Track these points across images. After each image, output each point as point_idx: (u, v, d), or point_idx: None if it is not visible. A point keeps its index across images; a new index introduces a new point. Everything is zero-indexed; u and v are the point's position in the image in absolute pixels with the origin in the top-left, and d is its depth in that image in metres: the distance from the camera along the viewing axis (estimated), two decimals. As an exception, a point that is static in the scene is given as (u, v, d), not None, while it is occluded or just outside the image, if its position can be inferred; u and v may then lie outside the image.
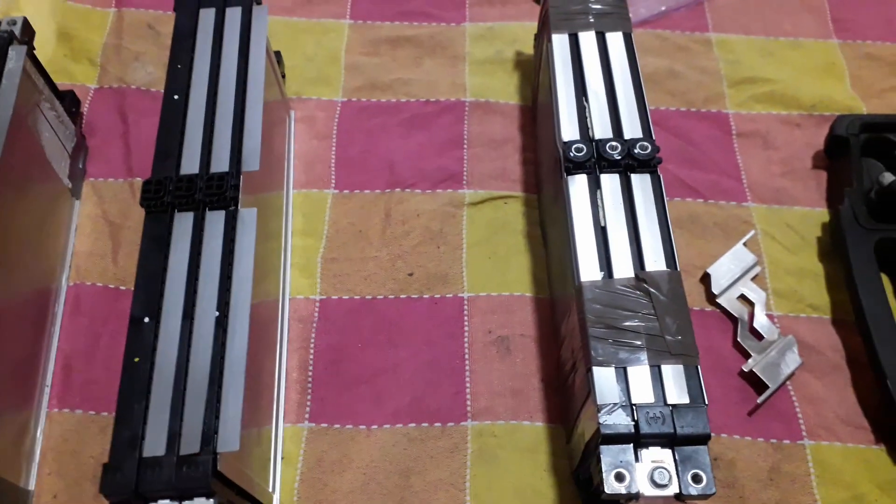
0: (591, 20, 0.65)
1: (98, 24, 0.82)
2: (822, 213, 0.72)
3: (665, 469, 0.46)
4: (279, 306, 0.65)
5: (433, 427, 0.61)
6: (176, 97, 0.60)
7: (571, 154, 0.57)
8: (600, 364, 0.49)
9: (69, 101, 0.71)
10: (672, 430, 0.46)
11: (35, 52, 0.64)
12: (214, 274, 0.51)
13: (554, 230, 0.63)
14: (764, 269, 0.69)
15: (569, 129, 0.59)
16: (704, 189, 0.73)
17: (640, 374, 0.48)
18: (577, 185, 0.56)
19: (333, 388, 0.63)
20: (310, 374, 0.63)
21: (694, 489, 0.45)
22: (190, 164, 0.56)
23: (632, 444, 0.47)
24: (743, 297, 0.67)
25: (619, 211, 0.55)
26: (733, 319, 0.66)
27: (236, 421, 0.46)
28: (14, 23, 0.62)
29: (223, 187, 0.54)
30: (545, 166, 0.68)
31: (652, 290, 0.51)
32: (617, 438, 0.47)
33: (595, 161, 0.57)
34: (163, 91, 0.60)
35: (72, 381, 0.62)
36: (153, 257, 0.52)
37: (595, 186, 0.56)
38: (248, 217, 0.54)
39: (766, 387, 0.62)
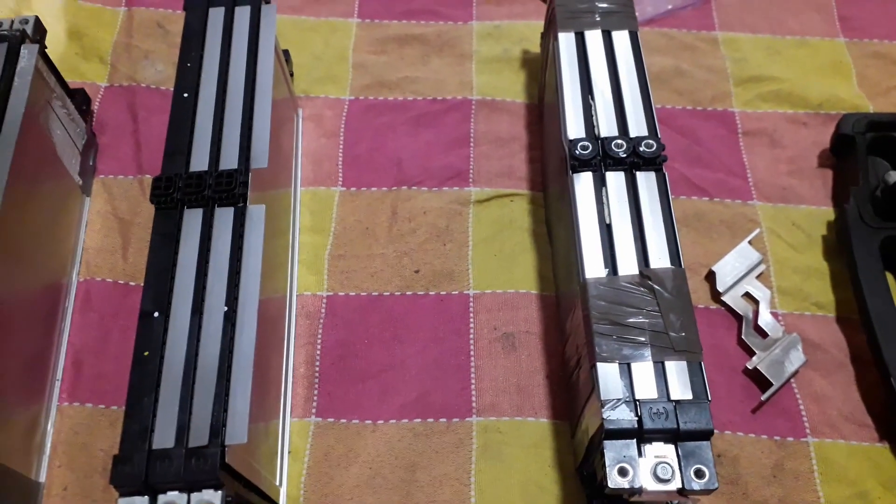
0: (598, 19, 0.65)
1: (109, 23, 0.82)
2: (827, 212, 0.72)
3: (668, 464, 0.46)
4: (287, 302, 0.65)
5: (439, 422, 0.62)
6: (185, 95, 0.60)
7: (577, 152, 0.57)
8: (604, 360, 0.49)
9: (80, 98, 0.71)
10: (675, 426, 0.46)
11: (47, 50, 0.65)
12: (223, 270, 0.52)
13: (559, 227, 0.64)
14: (769, 267, 0.69)
15: (575, 127, 0.59)
16: (710, 187, 0.73)
17: (643, 370, 0.49)
18: (583, 183, 0.56)
19: (340, 383, 0.63)
20: (317, 369, 0.64)
21: (697, 484, 0.45)
22: (199, 161, 0.57)
23: (635, 440, 0.47)
24: (748, 295, 0.67)
25: (624, 208, 0.55)
26: (738, 317, 0.66)
27: (244, 414, 0.46)
28: (26, 21, 0.63)
29: (232, 184, 0.55)
30: (551, 164, 0.68)
31: (656, 287, 0.51)
32: (620, 433, 0.47)
33: (601, 159, 0.57)
34: (172, 89, 0.61)
35: (82, 376, 0.63)
36: (163, 253, 0.53)
37: (600, 184, 0.56)
38: (256, 214, 0.55)
39: (771, 384, 0.62)
